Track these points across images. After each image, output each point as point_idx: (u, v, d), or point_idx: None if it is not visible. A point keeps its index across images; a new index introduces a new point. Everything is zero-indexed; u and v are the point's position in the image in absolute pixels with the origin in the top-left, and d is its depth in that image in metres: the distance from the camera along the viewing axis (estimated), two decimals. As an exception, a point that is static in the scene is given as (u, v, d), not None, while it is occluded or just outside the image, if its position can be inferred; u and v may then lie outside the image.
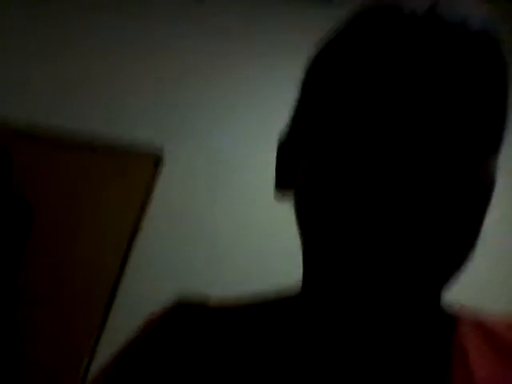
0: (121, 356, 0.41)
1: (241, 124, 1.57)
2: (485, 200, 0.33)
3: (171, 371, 0.38)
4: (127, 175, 1.55)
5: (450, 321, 0.38)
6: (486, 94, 0.32)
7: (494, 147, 0.34)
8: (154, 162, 1.56)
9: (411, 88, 0.31)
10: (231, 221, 1.47)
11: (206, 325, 0.41)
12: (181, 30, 1.74)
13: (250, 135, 1.55)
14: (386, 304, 0.33)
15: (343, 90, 0.34)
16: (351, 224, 0.31)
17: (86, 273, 1.43)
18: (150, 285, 1.36)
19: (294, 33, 1.58)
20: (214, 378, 0.36)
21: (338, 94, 0.35)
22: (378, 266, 0.31)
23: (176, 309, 0.43)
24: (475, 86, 0.32)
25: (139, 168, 1.55)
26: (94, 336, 1.35)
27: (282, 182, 0.42)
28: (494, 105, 0.33)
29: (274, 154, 0.42)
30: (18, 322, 1.39)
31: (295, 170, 0.39)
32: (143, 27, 1.75)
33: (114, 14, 1.77)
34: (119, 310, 1.37)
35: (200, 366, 0.37)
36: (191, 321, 0.41)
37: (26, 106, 1.62)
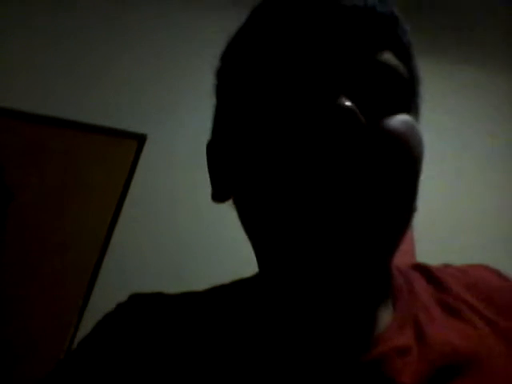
0: (78, 347, 0.40)
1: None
2: (414, 159, 0.35)
3: (130, 357, 0.37)
4: (109, 158, 1.54)
5: (400, 276, 0.40)
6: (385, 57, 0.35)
7: (402, 107, 0.36)
8: (136, 144, 1.55)
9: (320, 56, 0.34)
10: (212, 204, 1.48)
11: (164, 310, 0.40)
12: (168, 20, 1.72)
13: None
14: (337, 273, 0.34)
15: (261, 68, 0.36)
16: (300, 201, 0.32)
17: (67, 254, 1.43)
18: (131, 265, 1.37)
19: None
20: (175, 361, 0.36)
21: (257, 73, 0.36)
22: (327, 239, 0.32)
23: (132, 299, 0.42)
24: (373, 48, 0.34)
25: (122, 151, 1.54)
26: (75, 317, 1.35)
27: (221, 193, 0.44)
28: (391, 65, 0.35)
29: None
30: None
31: (231, 170, 0.40)
32: (130, 18, 1.73)
33: (99, 5, 1.74)
34: (101, 291, 1.37)
35: (160, 350, 0.37)
36: (148, 308, 0.41)
37: (8, 90, 1.59)
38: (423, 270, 0.43)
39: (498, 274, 0.43)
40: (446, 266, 0.44)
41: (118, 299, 0.44)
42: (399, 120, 0.34)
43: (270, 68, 0.35)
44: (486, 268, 0.44)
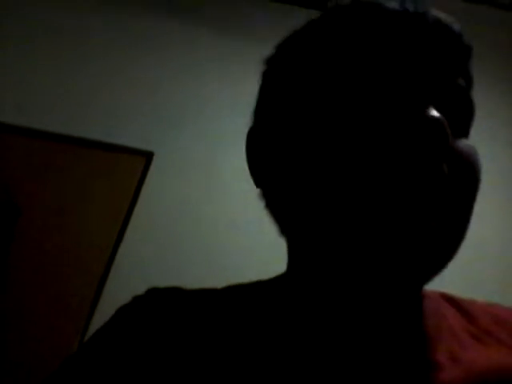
0: (93, 340, 0.39)
1: (229, 127, 1.58)
2: (477, 188, 0.34)
3: (147, 352, 0.36)
4: (116, 175, 1.55)
5: (431, 302, 0.39)
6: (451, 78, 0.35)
7: (463, 131, 0.35)
8: (143, 161, 1.56)
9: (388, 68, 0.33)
10: (222, 219, 1.48)
11: (180, 305, 0.39)
12: (176, 33, 1.74)
13: (239, 137, 1.54)
14: (371, 288, 0.33)
15: (323, 74, 0.35)
16: (349, 210, 0.31)
17: (73, 270, 1.43)
18: (137, 283, 1.35)
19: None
20: (189, 358, 0.35)
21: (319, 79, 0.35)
22: (370, 253, 0.31)
23: (149, 293, 0.42)
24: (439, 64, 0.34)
25: (128, 168, 1.55)
26: (81, 328, 1.35)
27: (261, 179, 0.41)
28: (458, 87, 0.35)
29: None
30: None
31: (273, 163, 0.38)
32: (135, 32, 1.75)
33: (103, 17, 1.76)
34: (105, 306, 1.37)
35: (174, 346, 0.36)
36: (165, 302, 0.40)
37: (14, 106, 1.60)
38: (452, 300, 0.42)
39: None
40: (474, 301, 0.43)
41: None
42: (471, 146, 0.34)
43: (347, 67, 0.34)
44: (506, 311, 0.42)
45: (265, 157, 0.40)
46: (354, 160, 0.31)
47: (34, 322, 1.37)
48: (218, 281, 1.29)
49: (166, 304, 0.39)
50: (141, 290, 1.33)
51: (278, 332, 0.36)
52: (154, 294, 0.41)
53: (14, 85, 1.65)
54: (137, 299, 0.41)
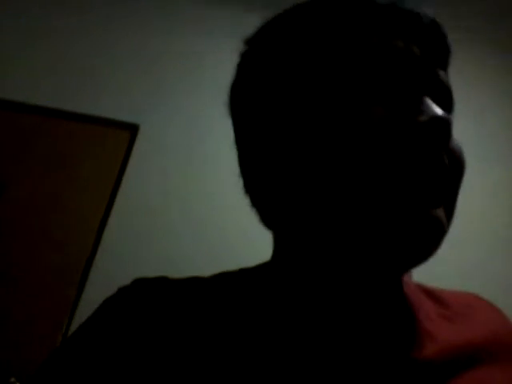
0: (77, 335, 0.38)
1: (215, 99, 1.56)
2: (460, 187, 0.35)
3: (131, 345, 0.35)
4: (102, 148, 1.53)
5: (410, 288, 0.40)
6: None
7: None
8: (129, 135, 1.54)
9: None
10: (205, 194, 1.48)
11: (168, 295, 0.39)
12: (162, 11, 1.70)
13: (225, 110, 1.52)
14: (362, 274, 0.34)
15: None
16: (348, 198, 0.32)
17: (61, 244, 1.43)
18: (125, 255, 1.37)
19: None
20: (177, 350, 0.34)
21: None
22: (367, 238, 0.32)
23: (135, 283, 0.41)
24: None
25: (115, 141, 1.54)
26: (69, 310, 1.35)
27: (244, 164, 0.40)
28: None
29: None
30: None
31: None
32: (125, 9, 1.72)
33: None
34: (94, 282, 1.37)
35: (162, 338, 0.35)
36: (151, 293, 0.39)
37: (2, 82, 1.58)
38: (426, 291, 0.43)
39: (489, 304, 0.45)
40: (443, 290, 0.45)
41: (110, 289, 0.43)
42: (459, 145, 0.35)
43: (344, 63, 0.34)
44: (476, 297, 0.45)
45: (247, 143, 0.40)
46: (350, 147, 0.32)
47: (15, 314, 1.36)
48: (207, 255, 1.30)
49: (152, 295, 0.39)
50: (128, 264, 1.34)
51: (267, 321, 0.36)
52: (140, 284, 0.40)
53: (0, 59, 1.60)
54: (122, 290, 0.40)
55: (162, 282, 0.41)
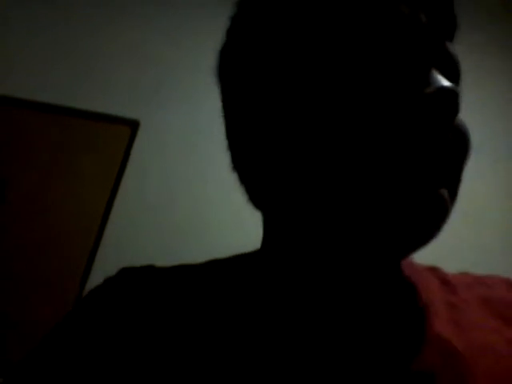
0: (60, 328, 0.36)
1: (216, 95, 1.55)
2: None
3: (117, 339, 0.34)
4: (103, 144, 1.51)
5: (418, 274, 0.38)
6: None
7: None
8: (129, 131, 1.53)
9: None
10: (206, 191, 1.47)
11: (156, 285, 0.37)
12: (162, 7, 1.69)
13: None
14: (354, 266, 0.32)
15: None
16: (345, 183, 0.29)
17: (61, 241, 1.41)
18: (126, 253, 1.36)
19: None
20: (165, 342, 0.33)
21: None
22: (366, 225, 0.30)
23: (121, 273, 0.39)
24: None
25: (115, 137, 1.52)
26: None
27: (235, 146, 0.37)
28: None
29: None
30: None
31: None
32: (124, 4, 1.70)
33: None
34: (97, 277, 1.36)
35: (152, 330, 0.34)
36: (139, 282, 0.37)
37: (2, 78, 1.56)
38: (438, 273, 0.40)
39: None
40: (464, 275, 0.42)
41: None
42: (465, 124, 0.33)
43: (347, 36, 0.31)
44: (507, 282, 0.40)
45: (236, 113, 0.37)
46: (351, 119, 0.29)
47: (19, 300, 1.35)
48: (208, 251, 1.28)
49: (139, 285, 0.37)
50: (130, 262, 1.32)
51: (258, 313, 0.34)
52: (127, 274, 0.39)
53: (1, 55, 1.59)
54: (108, 281, 0.39)
55: (150, 270, 0.39)
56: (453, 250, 1.18)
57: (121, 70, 1.61)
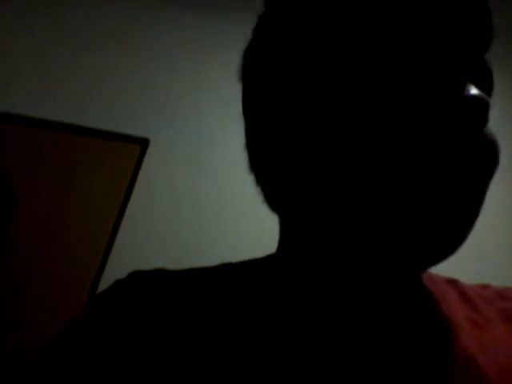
0: (67, 331, 0.35)
1: (225, 113, 1.56)
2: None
3: (126, 342, 0.33)
4: (112, 162, 1.53)
5: (436, 286, 0.37)
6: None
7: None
8: (139, 149, 1.54)
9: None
10: (214, 208, 1.47)
11: (166, 289, 0.36)
12: (171, 25, 1.72)
13: (236, 124, 1.52)
14: (372, 274, 0.31)
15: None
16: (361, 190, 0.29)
17: (70, 258, 1.42)
18: (134, 267, 1.34)
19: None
20: (175, 347, 0.32)
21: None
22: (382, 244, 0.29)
23: (131, 276, 0.38)
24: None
25: (124, 155, 1.54)
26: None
27: (254, 152, 0.36)
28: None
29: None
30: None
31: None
32: (133, 22, 1.73)
33: (104, 8, 1.73)
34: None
35: (163, 333, 0.33)
36: (149, 286, 0.36)
37: (10, 95, 1.58)
38: (457, 286, 0.39)
39: None
40: (484, 287, 0.40)
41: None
42: (493, 132, 0.32)
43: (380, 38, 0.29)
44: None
45: (257, 113, 0.36)
46: (377, 124, 0.28)
47: (28, 315, 1.36)
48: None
49: (150, 287, 0.36)
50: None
51: (272, 319, 0.33)
52: (137, 276, 0.38)
53: (8, 73, 1.62)
54: (118, 283, 0.38)
55: (160, 274, 0.38)
56: (456, 260, 1.17)
57: (131, 88, 1.63)
